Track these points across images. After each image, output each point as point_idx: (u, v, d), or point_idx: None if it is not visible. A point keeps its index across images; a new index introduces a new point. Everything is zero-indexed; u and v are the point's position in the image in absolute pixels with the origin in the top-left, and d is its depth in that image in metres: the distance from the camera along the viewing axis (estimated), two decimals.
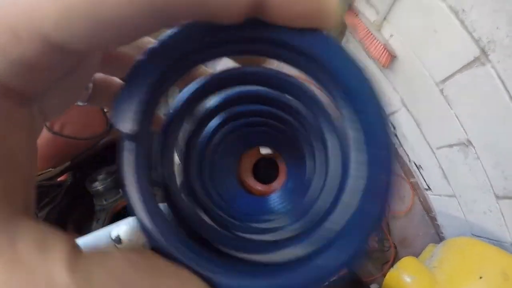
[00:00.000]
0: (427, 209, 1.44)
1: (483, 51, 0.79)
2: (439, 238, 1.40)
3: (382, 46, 1.12)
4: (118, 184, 0.90)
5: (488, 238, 1.06)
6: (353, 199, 0.11)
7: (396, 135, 1.45)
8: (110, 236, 0.23)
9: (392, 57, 1.13)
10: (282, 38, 0.11)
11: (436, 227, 1.41)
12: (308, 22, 0.11)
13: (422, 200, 1.45)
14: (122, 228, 0.23)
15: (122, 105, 0.11)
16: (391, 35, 1.11)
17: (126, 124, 0.11)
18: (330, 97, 0.13)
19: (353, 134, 0.11)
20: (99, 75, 0.18)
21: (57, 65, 0.10)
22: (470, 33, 0.81)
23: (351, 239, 0.10)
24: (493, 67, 0.79)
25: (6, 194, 0.10)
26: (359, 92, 0.11)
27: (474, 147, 0.98)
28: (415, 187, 1.46)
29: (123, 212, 0.89)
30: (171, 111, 0.16)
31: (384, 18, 1.08)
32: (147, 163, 0.13)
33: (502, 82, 0.78)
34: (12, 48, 0.09)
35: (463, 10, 0.79)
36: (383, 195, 0.10)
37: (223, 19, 0.10)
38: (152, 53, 0.12)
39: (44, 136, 0.82)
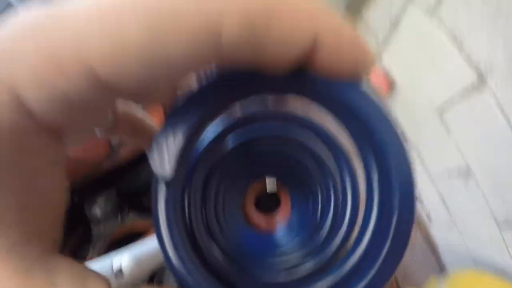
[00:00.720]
0: (428, 240, 1.40)
1: (481, 77, 0.81)
2: (439, 268, 1.37)
3: (381, 74, 1.16)
4: (117, 210, 0.88)
5: (492, 268, 1.03)
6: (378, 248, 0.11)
7: None
8: (112, 267, 0.22)
9: (391, 84, 1.16)
10: (323, 89, 0.11)
11: (438, 257, 1.37)
12: (349, 74, 0.10)
13: (422, 231, 1.42)
14: (125, 261, 0.22)
15: (162, 151, 0.11)
16: (390, 63, 1.15)
17: (166, 170, 0.11)
18: (358, 149, 0.13)
19: (379, 188, 0.12)
20: (121, 105, 0.16)
21: (99, 102, 0.10)
22: (468, 59, 0.83)
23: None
24: (491, 92, 0.80)
25: (40, 232, 0.09)
26: (390, 151, 0.11)
27: (474, 174, 0.98)
28: (417, 222, 1.45)
29: (121, 241, 0.86)
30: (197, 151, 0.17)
31: (384, 46, 1.13)
32: (180, 207, 0.14)
33: (501, 107, 0.79)
34: (53, 80, 0.08)
35: (461, 36, 0.82)
36: (403, 247, 0.11)
37: (273, 69, 0.10)
38: (194, 97, 0.11)
39: None
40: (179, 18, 0.08)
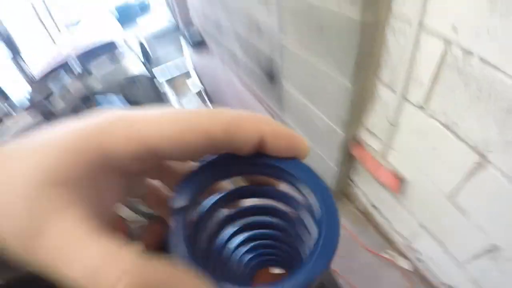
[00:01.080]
0: None
1: (482, 155, 0.90)
2: None
3: (389, 173, 1.26)
4: None
5: None
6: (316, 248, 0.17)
7: (420, 260, 1.43)
8: None
9: (401, 181, 1.24)
10: (275, 164, 0.19)
11: None
12: (290, 154, 0.18)
13: None
14: None
15: (180, 194, 0.18)
16: (397, 162, 1.25)
17: (182, 203, 0.18)
18: (304, 198, 0.20)
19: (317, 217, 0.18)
20: (152, 181, 0.25)
21: (151, 164, 0.18)
22: (465, 142, 0.93)
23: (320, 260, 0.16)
24: (495, 167, 0.88)
25: (103, 220, 0.16)
26: (320, 194, 0.18)
27: (501, 249, 0.97)
28: None
29: None
30: (201, 212, 0.22)
31: (388, 148, 1.25)
32: (191, 237, 0.19)
33: (507, 176, 0.85)
34: (125, 152, 0.15)
35: (455, 122, 0.94)
36: (334, 246, 0.17)
37: (242, 151, 0.18)
38: (201, 167, 0.19)
39: None
40: (195, 127, 0.16)
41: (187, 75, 2.42)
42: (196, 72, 3.00)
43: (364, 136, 1.38)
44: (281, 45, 1.54)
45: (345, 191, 1.81)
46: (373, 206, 1.61)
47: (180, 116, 0.16)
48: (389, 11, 0.99)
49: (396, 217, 1.46)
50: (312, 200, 0.18)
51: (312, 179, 0.18)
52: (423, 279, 1.45)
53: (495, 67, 0.77)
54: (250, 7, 1.85)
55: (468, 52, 0.82)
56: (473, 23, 0.77)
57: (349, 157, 1.50)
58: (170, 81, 3.14)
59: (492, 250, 1.01)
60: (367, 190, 1.62)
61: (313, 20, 1.20)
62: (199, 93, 2.06)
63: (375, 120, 1.28)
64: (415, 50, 0.96)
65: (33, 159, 0.14)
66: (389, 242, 1.59)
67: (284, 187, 0.22)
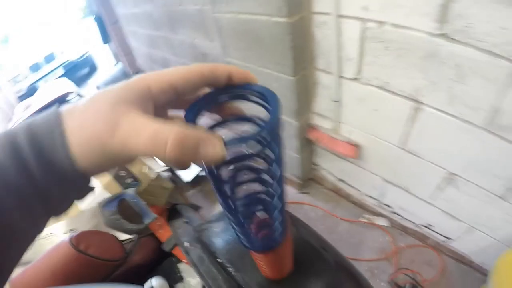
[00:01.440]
0: (459, 258, 1.45)
1: (416, 101, 1.10)
2: (480, 273, 1.40)
3: (345, 143, 1.44)
4: None
5: None
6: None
7: (394, 212, 1.60)
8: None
9: (357, 147, 1.41)
10: (242, 88, 0.29)
11: (477, 268, 1.41)
12: (246, 81, 0.28)
13: (449, 253, 1.48)
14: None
15: (189, 110, 0.28)
16: (349, 133, 1.43)
17: (191, 117, 0.27)
18: (264, 108, 0.28)
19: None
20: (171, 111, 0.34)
21: (173, 96, 0.27)
22: (400, 95, 1.13)
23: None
24: (429, 106, 1.07)
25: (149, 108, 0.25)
26: (272, 100, 0.27)
27: (458, 175, 1.16)
28: (435, 246, 1.51)
29: None
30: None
31: (338, 123, 1.43)
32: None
33: (441, 111, 1.05)
34: (99, 156, 0.22)
35: (386, 82, 1.14)
36: (278, 113, 0.26)
37: (221, 83, 0.28)
38: (201, 97, 0.29)
39: (69, 253, 0.89)
40: (194, 71, 0.27)
41: None
42: None
43: (316, 120, 1.56)
44: (227, 63, 1.69)
45: (312, 176, 1.97)
46: (340, 180, 1.77)
47: (186, 67, 0.27)
48: (311, 10, 1.18)
49: (362, 182, 1.64)
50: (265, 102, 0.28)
51: (260, 87, 0.29)
52: (402, 228, 1.63)
53: (404, 27, 0.97)
54: (193, 38, 2.07)
55: (380, 23, 1.02)
56: (380, 0, 0.98)
57: (307, 142, 1.66)
58: None
59: (451, 179, 1.20)
60: (330, 167, 1.78)
61: (250, 34, 1.36)
62: None
63: (322, 103, 1.46)
64: (339, 35, 1.15)
65: (109, 92, 0.24)
66: (363, 208, 1.76)
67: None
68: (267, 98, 0.27)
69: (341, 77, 1.27)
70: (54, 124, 0.22)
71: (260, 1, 1.16)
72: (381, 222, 1.68)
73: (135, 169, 1.66)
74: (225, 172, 0.29)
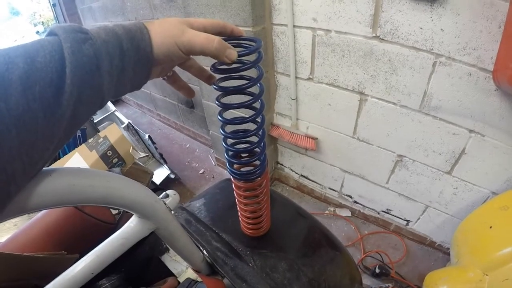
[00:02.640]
0: (421, 240, 1.61)
1: (361, 93, 1.29)
2: (442, 249, 1.55)
3: (304, 136, 1.60)
4: None
5: (472, 208, 1.25)
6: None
7: (356, 202, 1.76)
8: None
9: (314, 140, 1.58)
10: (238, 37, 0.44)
11: (439, 248, 1.56)
12: (241, 34, 0.45)
13: (411, 237, 1.65)
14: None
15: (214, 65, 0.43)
16: (307, 128, 1.60)
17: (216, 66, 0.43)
18: (253, 41, 0.44)
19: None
20: (177, 68, 0.48)
21: (182, 57, 0.38)
22: (347, 89, 1.32)
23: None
24: (371, 96, 1.27)
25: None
26: (257, 40, 0.43)
27: (405, 156, 1.35)
28: (398, 231, 1.68)
29: None
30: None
31: (296, 119, 1.60)
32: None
33: (382, 99, 1.25)
34: (173, 45, 0.36)
35: (335, 79, 1.33)
36: (261, 43, 0.43)
37: (227, 33, 0.43)
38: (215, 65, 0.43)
39: (65, 209, 0.92)
40: (214, 21, 0.42)
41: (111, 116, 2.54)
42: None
43: (277, 119, 1.73)
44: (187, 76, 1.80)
45: (277, 176, 2.11)
46: (302, 176, 1.93)
47: (212, 19, 0.41)
48: (272, 22, 1.37)
49: (323, 175, 1.80)
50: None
51: (249, 36, 0.44)
52: (364, 217, 1.79)
53: (346, 33, 1.18)
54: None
55: (327, 31, 1.22)
56: (325, 12, 1.18)
57: (270, 140, 1.82)
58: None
59: (400, 160, 1.39)
60: (292, 164, 1.94)
61: None
62: (127, 126, 2.17)
63: (282, 102, 1.63)
64: (295, 42, 1.34)
65: (173, 18, 0.37)
66: (326, 201, 1.92)
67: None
68: (254, 40, 0.43)
69: (297, 77, 1.45)
70: (142, 27, 0.35)
71: (229, 13, 1.33)
72: (344, 213, 1.84)
73: (121, 150, 1.73)
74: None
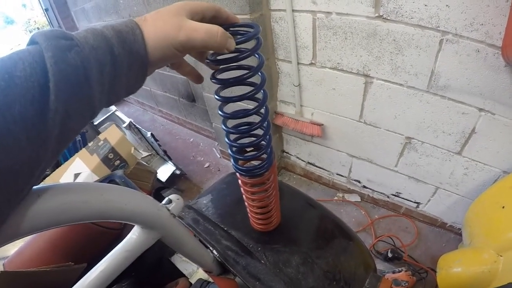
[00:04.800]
0: (432, 222, 1.60)
1: (366, 75, 1.26)
2: (454, 231, 1.53)
3: (309, 123, 1.58)
4: None
5: (484, 188, 1.23)
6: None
7: (364, 186, 1.75)
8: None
9: (320, 127, 1.56)
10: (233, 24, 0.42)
11: (451, 229, 1.55)
12: (237, 21, 0.42)
13: (422, 219, 1.63)
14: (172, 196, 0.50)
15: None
16: (312, 114, 1.58)
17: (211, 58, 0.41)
18: (250, 27, 0.41)
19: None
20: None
21: (179, 57, 0.36)
22: (351, 72, 1.29)
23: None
24: (377, 78, 1.24)
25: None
26: (255, 25, 0.40)
27: (414, 138, 1.32)
28: (408, 213, 1.67)
29: None
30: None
31: (300, 106, 1.58)
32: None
33: (388, 81, 1.22)
34: (169, 47, 0.33)
35: (338, 63, 1.29)
36: (259, 28, 0.40)
37: (222, 19, 0.40)
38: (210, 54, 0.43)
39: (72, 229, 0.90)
40: (210, 5, 0.39)
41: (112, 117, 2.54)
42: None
43: (281, 108, 1.70)
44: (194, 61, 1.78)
45: (283, 165, 2.09)
46: (309, 163, 1.91)
47: (208, 3, 0.38)
48: (269, 8, 1.33)
49: (330, 161, 1.78)
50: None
51: (248, 24, 0.41)
52: (373, 201, 1.78)
53: (347, 14, 1.14)
54: None
55: (328, 13, 1.18)
56: None
57: (275, 128, 1.79)
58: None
59: (409, 143, 1.36)
60: (298, 152, 1.92)
61: None
62: (129, 125, 2.16)
63: (285, 90, 1.60)
64: (294, 27, 1.30)
65: (168, 9, 0.34)
66: (335, 187, 1.91)
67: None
68: (251, 25, 0.41)
69: (299, 63, 1.41)
70: (134, 27, 0.32)
71: (226, 1, 1.29)
72: (353, 198, 1.83)
73: (123, 151, 1.71)
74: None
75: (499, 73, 0.95)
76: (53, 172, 1.65)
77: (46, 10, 3.30)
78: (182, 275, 1.03)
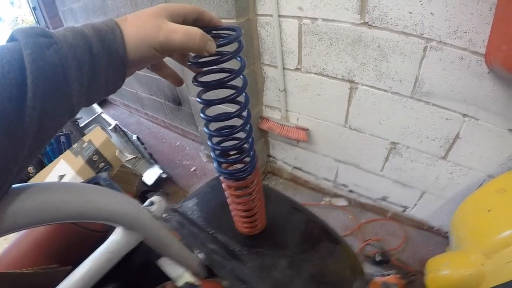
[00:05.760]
0: (420, 226, 1.61)
1: (351, 81, 1.26)
2: (447, 239, 1.49)
3: (295, 128, 1.57)
4: None
5: (469, 192, 1.21)
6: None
7: (351, 191, 1.75)
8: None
9: (305, 131, 1.55)
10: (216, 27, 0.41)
11: (438, 232, 1.56)
12: (220, 24, 0.42)
13: (409, 223, 1.64)
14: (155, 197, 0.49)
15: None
16: (297, 119, 1.57)
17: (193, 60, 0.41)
18: (232, 30, 0.40)
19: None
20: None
21: (159, 58, 0.36)
22: (336, 78, 1.29)
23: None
24: (361, 83, 1.24)
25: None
26: (237, 28, 0.39)
27: (399, 144, 1.33)
28: (395, 217, 1.68)
29: None
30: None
31: (286, 111, 1.57)
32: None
33: (373, 87, 1.22)
34: (148, 48, 0.33)
35: (323, 68, 1.29)
36: (241, 32, 0.40)
37: (205, 21, 0.40)
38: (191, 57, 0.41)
39: (56, 225, 0.88)
40: (194, 8, 0.39)
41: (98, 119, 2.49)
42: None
43: (266, 112, 1.69)
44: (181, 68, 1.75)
45: (269, 169, 2.08)
46: (295, 167, 1.91)
47: (191, 5, 0.37)
48: (256, 13, 1.32)
49: (316, 166, 1.78)
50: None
51: (230, 27, 0.40)
52: (361, 205, 1.78)
53: (333, 20, 1.14)
54: None
55: (313, 19, 1.18)
56: (311, 0, 1.14)
57: (261, 133, 1.78)
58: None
59: (393, 148, 1.37)
60: (285, 157, 1.91)
61: None
62: (115, 128, 2.11)
63: (270, 95, 1.59)
64: (280, 33, 1.30)
65: (149, 10, 0.34)
66: (322, 191, 1.90)
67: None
68: (233, 29, 0.40)
69: (285, 68, 1.41)
70: (114, 26, 0.31)
71: (212, 6, 1.27)
72: (340, 202, 1.82)
73: (107, 153, 1.68)
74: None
75: (482, 80, 0.97)
76: (38, 173, 1.61)
77: (34, 8, 3.24)
78: (168, 279, 1.01)
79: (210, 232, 0.73)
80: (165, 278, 1.05)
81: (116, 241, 0.45)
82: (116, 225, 0.43)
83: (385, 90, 1.20)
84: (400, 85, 1.15)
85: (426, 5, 0.93)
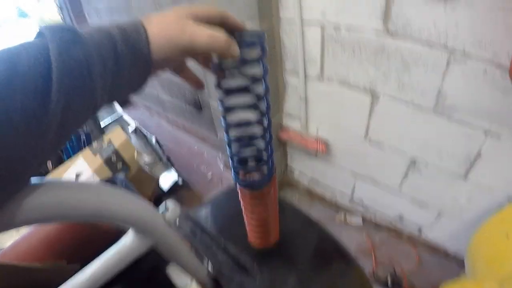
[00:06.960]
0: (435, 249, 1.55)
1: (373, 91, 1.24)
2: (462, 264, 1.44)
3: (314, 139, 1.57)
4: None
5: (488, 214, 1.13)
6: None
7: (367, 208, 1.71)
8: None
9: (325, 144, 1.54)
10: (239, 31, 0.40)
11: (453, 257, 1.49)
12: (243, 28, 0.41)
13: (424, 245, 1.58)
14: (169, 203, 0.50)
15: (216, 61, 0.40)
16: (317, 129, 1.56)
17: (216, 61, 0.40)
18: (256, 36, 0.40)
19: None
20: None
21: (182, 59, 0.41)
22: (358, 87, 1.28)
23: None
24: (383, 94, 1.22)
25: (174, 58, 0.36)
26: (262, 33, 0.40)
27: (419, 159, 1.30)
28: (410, 239, 1.62)
29: None
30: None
31: (306, 121, 1.56)
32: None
33: (395, 99, 1.21)
34: (172, 49, 0.34)
35: (346, 77, 1.29)
36: (265, 36, 0.40)
37: (228, 25, 0.39)
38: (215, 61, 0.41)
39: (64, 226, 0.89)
40: (217, 10, 0.38)
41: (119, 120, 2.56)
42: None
43: (287, 121, 1.69)
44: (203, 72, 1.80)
45: (287, 180, 2.06)
46: (312, 179, 1.88)
47: (216, 8, 0.38)
48: (279, 18, 1.34)
49: (332, 179, 1.75)
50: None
51: (254, 31, 0.41)
52: (375, 223, 1.73)
53: (356, 29, 1.14)
54: None
55: (337, 26, 1.19)
56: (334, 7, 1.15)
57: (280, 143, 1.78)
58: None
59: (413, 164, 1.33)
60: (302, 168, 1.89)
61: None
62: (135, 130, 2.17)
63: (291, 103, 1.59)
64: (303, 40, 1.31)
65: (174, 11, 0.35)
66: (336, 207, 1.87)
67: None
68: (257, 33, 0.40)
69: (306, 76, 1.41)
70: (139, 26, 0.32)
71: (236, 10, 1.30)
72: (355, 219, 1.78)
73: (126, 155, 1.71)
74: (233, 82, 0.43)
75: (507, 95, 0.93)
76: (55, 169, 1.66)
77: (60, 8, 3.43)
78: None
79: (222, 243, 0.72)
80: (171, 287, 1.05)
81: (127, 244, 0.45)
82: (129, 227, 0.43)
83: (407, 102, 1.18)
84: (422, 97, 1.13)
85: (450, 15, 0.92)
